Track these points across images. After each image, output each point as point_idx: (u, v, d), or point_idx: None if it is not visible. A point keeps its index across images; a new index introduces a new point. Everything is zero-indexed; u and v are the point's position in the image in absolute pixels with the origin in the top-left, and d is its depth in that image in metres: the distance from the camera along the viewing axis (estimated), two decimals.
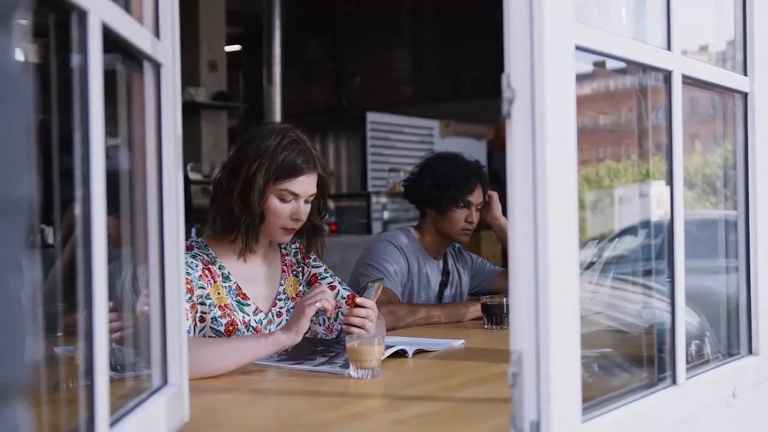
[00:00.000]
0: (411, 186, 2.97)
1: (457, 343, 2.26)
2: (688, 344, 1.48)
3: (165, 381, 1.30)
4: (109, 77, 1.00)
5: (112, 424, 1.01)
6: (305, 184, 2.10)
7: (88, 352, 0.94)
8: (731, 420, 1.58)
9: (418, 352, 2.10)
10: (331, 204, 7.33)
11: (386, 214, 7.21)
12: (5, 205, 0.49)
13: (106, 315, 0.96)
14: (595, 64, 1.36)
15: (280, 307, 2.22)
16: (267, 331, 2.13)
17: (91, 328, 0.93)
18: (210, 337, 2.05)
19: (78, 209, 0.94)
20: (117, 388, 1.19)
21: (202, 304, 2.04)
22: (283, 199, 2.09)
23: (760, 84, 1.70)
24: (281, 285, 2.25)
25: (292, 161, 2.07)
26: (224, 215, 2.10)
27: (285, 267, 2.28)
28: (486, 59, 8.53)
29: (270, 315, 2.18)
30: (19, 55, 0.51)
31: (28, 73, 0.53)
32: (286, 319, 2.19)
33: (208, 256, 2.12)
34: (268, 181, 2.06)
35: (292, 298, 2.25)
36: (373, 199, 7.18)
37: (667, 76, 1.42)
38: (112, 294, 1.01)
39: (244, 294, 2.14)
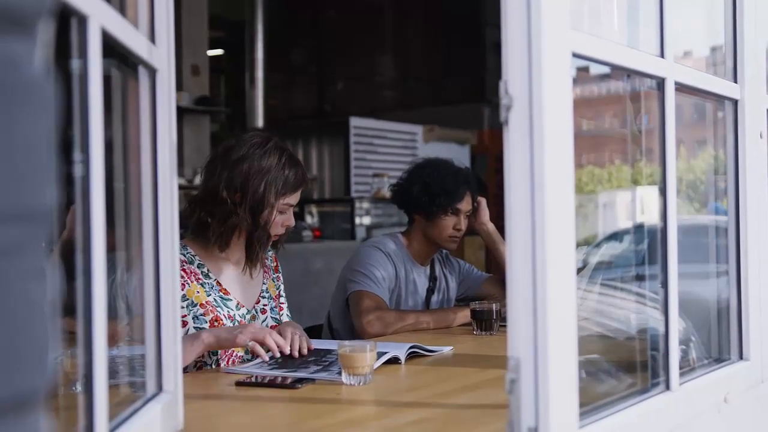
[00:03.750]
0: (400, 191, 2.96)
1: (446, 349, 2.26)
2: None
3: (160, 388, 1.28)
4: (104, 82, 1.00)
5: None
6: (299, 196, 2.23)
7: (88, 360, 0.92)
8: (723, 425, 1.59)
9: (412, 355, 2.10)
10: (315, 209, 7.31)
11: (370, 220, 7.19)
12: (30, 213, 0.48)
13: (105, 323, 0.95)
14: (579, 68, 1.36)
15: (264, 304, 2.29)
16: None
17: (90, 337, 0.92)
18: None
19: (77, 214, 0.93)
20: (111, 396, 1.18)
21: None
22: (282, 212, 2.19)
23: (750, 91, 1.71)
24: (264, 284, 2.32)
25: (294, 178, 2.18)
26: (230, 230, 2.14)
27: (266, 268, 2.35)
28: (469, 65, 8.56)
29: (254, 311, 2.24)
30: (42, 62, 0.50)
31: (52, 80, 0.52)
32: (271, 317, 2.28)
33: (185, 255, 2.14)
34: (278, 199, 2.16)
35: (274, 297, 2.33)
36: (357, 204, 7.15)
37: (660, 83, 1.43)
38: None
39: (225, 290, 2.19)
